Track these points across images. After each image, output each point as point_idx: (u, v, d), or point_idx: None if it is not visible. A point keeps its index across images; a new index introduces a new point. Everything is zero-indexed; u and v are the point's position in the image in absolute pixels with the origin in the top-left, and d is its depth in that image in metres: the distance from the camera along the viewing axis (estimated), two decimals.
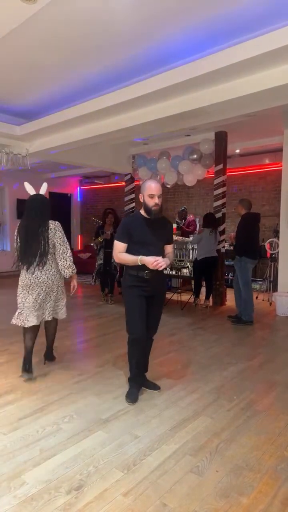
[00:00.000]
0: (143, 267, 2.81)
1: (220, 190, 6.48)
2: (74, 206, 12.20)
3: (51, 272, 3.37)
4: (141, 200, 2.90)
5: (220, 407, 2.89)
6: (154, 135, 6.46)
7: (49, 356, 3.84)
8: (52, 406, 2.90)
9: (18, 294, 3.45)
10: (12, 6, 2.82)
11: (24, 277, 3.38)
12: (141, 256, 2.81)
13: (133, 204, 8.64)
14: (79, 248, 12.11)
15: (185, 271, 6.69)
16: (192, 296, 6.56)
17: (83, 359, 3.94)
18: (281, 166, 6.43)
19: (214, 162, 6.57)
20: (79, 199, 12.13)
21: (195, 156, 6.75)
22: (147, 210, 2.86)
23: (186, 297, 6.70)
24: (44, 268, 3.33)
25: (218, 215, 6.46)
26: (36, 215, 3.34)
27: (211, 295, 6.37)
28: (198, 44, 3.74)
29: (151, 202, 2.83)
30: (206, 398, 3.03)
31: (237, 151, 7.64)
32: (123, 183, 8.78)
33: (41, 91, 5.05)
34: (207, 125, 5.64)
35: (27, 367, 3.38)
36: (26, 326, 3.36)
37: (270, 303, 6.55)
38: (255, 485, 2.02)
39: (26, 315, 3.38)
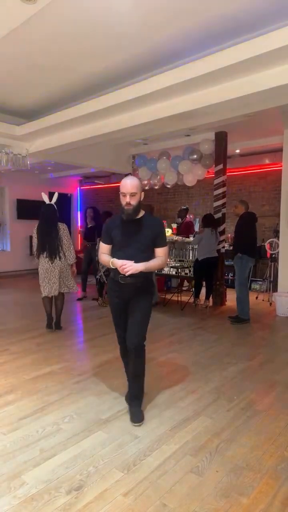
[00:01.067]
0: (119, 271, 2.62)
1: (220, 190, 6.48)
2: (74, 206, 12.23)
3: (61, 260, 4.69)
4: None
5: (220, 407, 2.89)
6: (154, 135, 6.46)
7: (58, 325, 4.99)
8: (52, 406, 2.90)
9: (40, 276, 4.79)
10: (12, 6, 2.82)
11: (45, 264, 4.68)
12: (113, 259, 2.65)
13: None
14: (79, 248, 12.11)
15: (185, 271, 6.69)
16: (192, 296, 6.56)
17: (83, 359, 3.94)
18: (281, 166, 6.43)
19: (214, 162, 6.57)
20: (79, 199, 12.16)
21: (195, 156, 6.75)
22: (121, 210, 2.69)
23: (186, 297, 6.70)
24: (57, 257, 4.65)
25: (218, 215, 6.46)
26: (49, 222, 4.69)
27: (211, 295, 6.37)
28: (198, 44, 3.74)
29: (122, 201, 2.64)
30: (206, 398, 3.03)
31: (237, 151, 7.64)
32: None
33: (41, 91, 5.06)
34: (207, 125, 5.64)
35: (49, 325, 4.93)
36: (46, 296, 4.84)
37: (270, 303, 6.55)
38: (255, 485, 2.02)
39: (45, 289, 4.74)
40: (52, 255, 4.60)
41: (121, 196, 2.66)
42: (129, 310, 2.76)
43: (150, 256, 2.70)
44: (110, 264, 2.66)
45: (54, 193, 4.84)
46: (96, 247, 5.98)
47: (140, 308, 2.73)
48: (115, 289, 2.78)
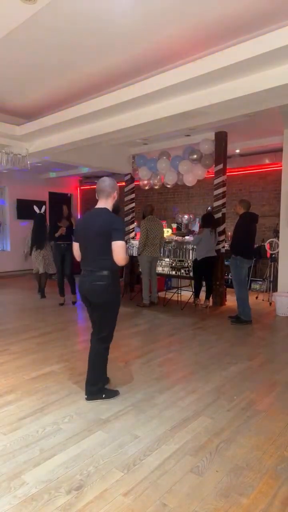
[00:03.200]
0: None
1: (220, 190, 6.48)
2: (74, 206, 12.23)
3: (47, 249, 7.00)
4: (115, 198, 2.93)
5: (220, 407, 2.89)
6: (154, 135, 6.46)
7: (43, 294, 7.16)
8: (52, 406, 2.90)
9: (33, 260, 7.06)
10: (12, 6, 2.82)
11: (37, 252, 6.97)
12: None
13: (133, 204, 8.64)
14: None
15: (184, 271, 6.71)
16: (192, 296, 6.56)
17: (82, 359, 3.94)
18: (281, 166, 6.43)
19: (214, 162, 6.57)
20: (79, 199, 12.16)
21: (195, 156, 6.75)
22: (118, 209, 3.03)
23: (186, 297, 6.70)
24: (45, 247, 6.99)
25: (218, 215, 6.46)
26: (42, 225, 7.08)
27: (211, 295, 6.37)
28: (198, 44, 3.74)
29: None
30: (206, 398, 3.03)
31: (237, 151, 7.64)
32: (123, 183, 8.79)
33: (41, 91, 5.05)
34: (207, 125, 5.64)
35: (41, 294, 7.15)
36: (40, 273, 7.06)
37: (270, 303, 6.55)
38: (255, 485, 2.02)
39: (39, 268, 7.00)
40: (43, 246, 6.96)
41: (117, 197, 2.97)
42: None
43: None
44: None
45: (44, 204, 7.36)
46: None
47: None
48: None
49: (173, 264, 6.82)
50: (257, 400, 3.01)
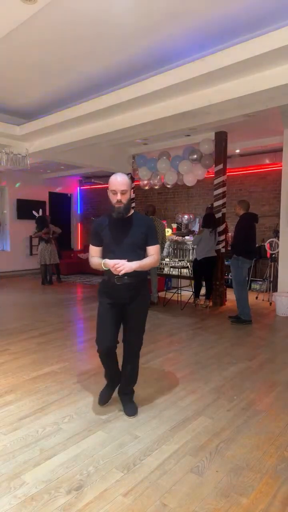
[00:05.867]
0: (112, 272, 2.54)
1: (220, 190, 6.48)
2: (74, 206, 12.23)
3: (52, 243, 8.58)
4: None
5: (220, 407, 2.89)
6: (154, 135, 6.46)
7: (59, 280, 9.04)
8: (52, 406, 2.90)
9: (39, 252, 8.56)
10: (12, 6, 2.82)
11: (45, 246, 8.50)
12: (104, 260, 2.56)
13: (133, 204, 8.64)
14: (79, 248, 12.11)
15: (185, 271, 6.72)
16: (192, 296, 6.56)
17: (83, 359, 3.94)
18: (281, 166, 6.43)
19: (214, 162, 6.57)
20: (79, 199, 12.17)
21: (195, 156, 6.75)
22: (111, 208, 2.57)
23: (186, 297, 6.70)
24: (50, 243, 8.55)
25: (218, 215, 6.46)
26: (44, 224, 8.62)
27: (211, 295, 6.37)
28: (198, 44, 3.74)
29: (113, 199, 2.53)
30: (206, 398, 3.03)
31: (237, 151, 7.64)
32: None
33: (41, 91, 5.06)
34: (207, 125, 5.64)
35: (46, 281, 8.69)
36: (46, 264, 8.57)
37: (270, 303, 6.55)
38: (255, 485, 2.02)
39: (45, 260, 8.52)
40: (48, 241, 8.53)
41: (110, 194, 2.56)
42: (126, 315, 2.70)
43: (142, 255, 2.61)
44: (102, 266, 2.57)
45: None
46: None
47: (137, 315, 2.71)
48: (111, 291, 2.66)
49: (173, 264, 6.82)
50: (257, 400, 3.01)
